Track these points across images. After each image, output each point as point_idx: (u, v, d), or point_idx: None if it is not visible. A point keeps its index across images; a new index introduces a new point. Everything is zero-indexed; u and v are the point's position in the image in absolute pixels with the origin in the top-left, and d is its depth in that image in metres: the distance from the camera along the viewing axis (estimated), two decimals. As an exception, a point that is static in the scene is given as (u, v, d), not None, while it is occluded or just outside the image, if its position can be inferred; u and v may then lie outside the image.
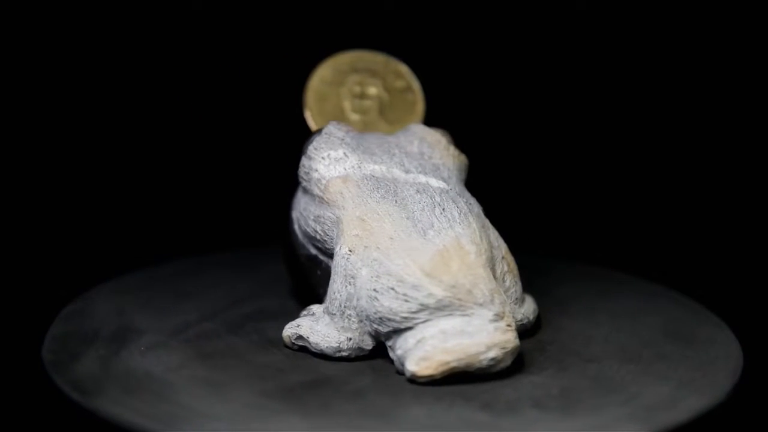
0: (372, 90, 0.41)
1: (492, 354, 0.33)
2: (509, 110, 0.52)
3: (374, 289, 0.34)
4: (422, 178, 0.36)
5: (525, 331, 0.37)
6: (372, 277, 0.34)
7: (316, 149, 0.37)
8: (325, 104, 0.40)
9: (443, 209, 0.35)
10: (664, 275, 0.43)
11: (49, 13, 0.48)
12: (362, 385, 0.33)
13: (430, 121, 0.40)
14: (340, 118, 0.40)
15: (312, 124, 0.40)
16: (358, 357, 0.35)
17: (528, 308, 0.37)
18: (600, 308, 0.39)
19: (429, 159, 0.37)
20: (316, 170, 0.36)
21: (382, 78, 0.41)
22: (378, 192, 0.35)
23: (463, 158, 0.38)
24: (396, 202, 0.35)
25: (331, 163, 0.36)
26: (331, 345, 0.34)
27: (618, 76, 0.52)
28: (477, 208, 0.36)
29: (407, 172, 0.36)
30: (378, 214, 0.35)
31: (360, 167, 0.36)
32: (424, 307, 0.33)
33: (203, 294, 0.40)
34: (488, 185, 0.39)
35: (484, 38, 0.51)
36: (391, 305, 0.33)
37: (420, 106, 0.41)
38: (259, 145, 0.52)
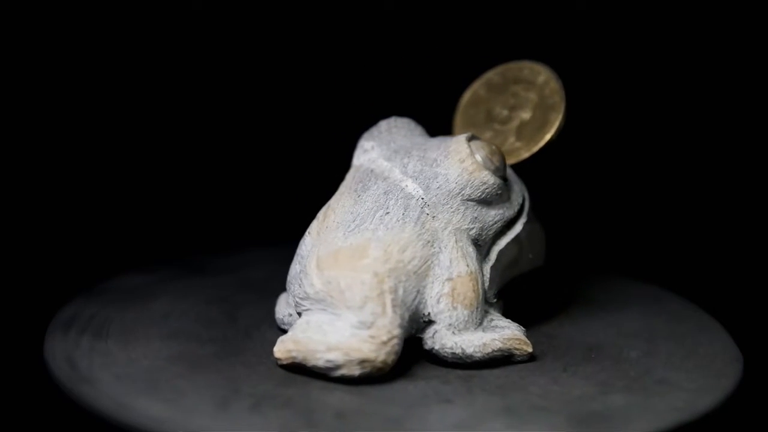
0: (518, 103, 0.39)
1: (331, 356, 0.32)
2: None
3: (298, 271, 0.35)
4: (406, 182, 0.35)
5: (461, 363, 0.34)
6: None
7: (361, 139, 0.38)
8: (474, 108, 0.40)
9: (387, 212, 0.35)
10: (663, 276, 0.43)
11: (49, 13, 0.49)
12: (236, 358, 0.34)
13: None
14: (481, 124, 0.40)
15: (456, 124, 0.41)
16: None
17: (470, 341, 0.34)
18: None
19: (435, 166, 0.36)
20: (353, 158, 0.38)
21: (539, 92, 0.39)
22: (357, 185, 0.36)
23: (480, 175, 0.35)
24: (359, 197, 0.35)
25: (360, 154, 0.38)
26: (278, 317, 0.37)
27: (621, 77, 0.49)
28: (444, 223, 0.35)
29: (403, 173, 0.36)
30: (337, 205, 0.36)
31: (373, 161, 0.37)
32: (306, 296, 0.34)
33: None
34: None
35: (484, 38, 0.50)
36: (294, 288, 0.35)
37: (549, 129, 0.38)
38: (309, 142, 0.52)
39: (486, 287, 0.35)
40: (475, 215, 0.35)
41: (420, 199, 0.35)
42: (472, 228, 0.35)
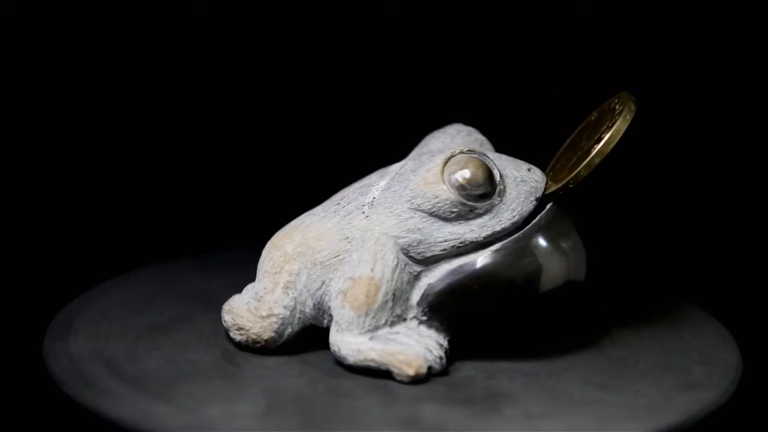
0: (593, 133, 0.36)
1: (226, 317, 0.35)
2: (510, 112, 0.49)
3: None
4: (382, 181, 0.36)
5: (339, 362, 0.34)
6: None
7: None
8: (580, 132, 0.38)
9: (338, 203, 0.35)
10: (660, 277, 0.44)
11: (49, 13, 0.48)
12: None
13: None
14: (569, 147, 0.37)
15: (565, 143, 0.38)
16: None
17: (347, 343, 0.33)
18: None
19: (412, 171, 0.35)
20: None
21: (608, 123, 0.36)
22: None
23: (435, 189, 0.34)
24: (347, 189, 0.37)
25: None
26: None
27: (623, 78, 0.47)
28: (373, 224, 0.34)
29: (395, 174, 0.36)
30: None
31: (400, 159, 0.37)
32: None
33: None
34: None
35: (484, 38, 0.50)
36: None
37: (581, 165, 0.35)
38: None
39: (415, 302, 0.34)
40: (419, 226, 0.34)
41: (372, 197, 0.35)
42: (405, 237, 0.34)
